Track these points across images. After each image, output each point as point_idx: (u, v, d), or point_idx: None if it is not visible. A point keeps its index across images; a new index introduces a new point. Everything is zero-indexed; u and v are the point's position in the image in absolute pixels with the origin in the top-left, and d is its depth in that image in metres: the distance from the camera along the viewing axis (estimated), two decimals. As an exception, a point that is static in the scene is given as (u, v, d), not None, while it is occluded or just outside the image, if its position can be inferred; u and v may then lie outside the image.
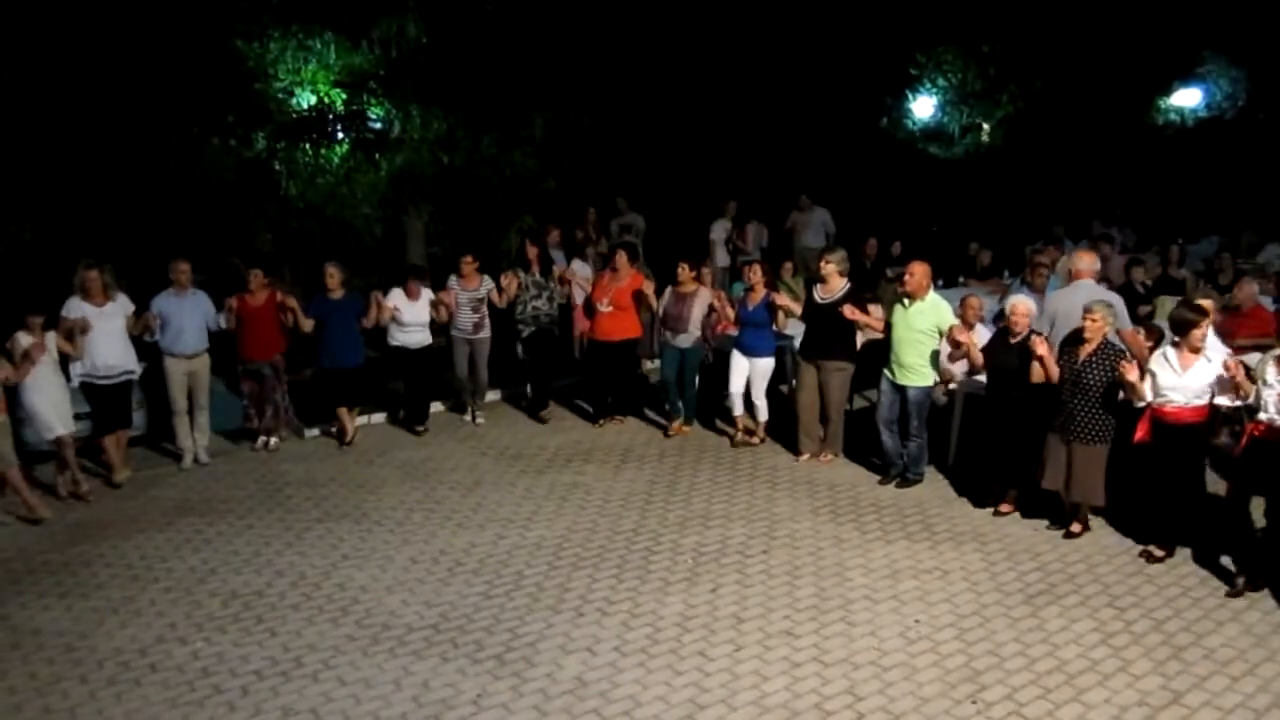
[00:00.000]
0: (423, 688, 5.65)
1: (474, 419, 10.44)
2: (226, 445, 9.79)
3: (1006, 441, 7.63)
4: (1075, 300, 7.77)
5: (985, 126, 17.12)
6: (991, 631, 6.12)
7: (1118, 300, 7.99)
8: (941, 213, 16.23)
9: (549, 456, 9.44)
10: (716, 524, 7.81)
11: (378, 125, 10.71)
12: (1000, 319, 8.46)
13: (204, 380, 9.26)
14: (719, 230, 15.16)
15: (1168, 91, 17.32)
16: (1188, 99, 17.33)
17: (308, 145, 10.35)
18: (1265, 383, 6.41)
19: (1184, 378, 6.76)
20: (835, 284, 8.86)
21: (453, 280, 10.13)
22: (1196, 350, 6.78)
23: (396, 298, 9.87)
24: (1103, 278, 10.33)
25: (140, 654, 6.07)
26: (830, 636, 6.10)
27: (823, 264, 8.95)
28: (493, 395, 10.94)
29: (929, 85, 16.86)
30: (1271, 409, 6.37)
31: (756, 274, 9.46)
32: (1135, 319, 9.75)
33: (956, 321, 8.28)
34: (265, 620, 6.45)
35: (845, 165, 17.18)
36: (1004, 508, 7.86)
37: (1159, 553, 7.00)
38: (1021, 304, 7.67)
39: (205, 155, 9.97)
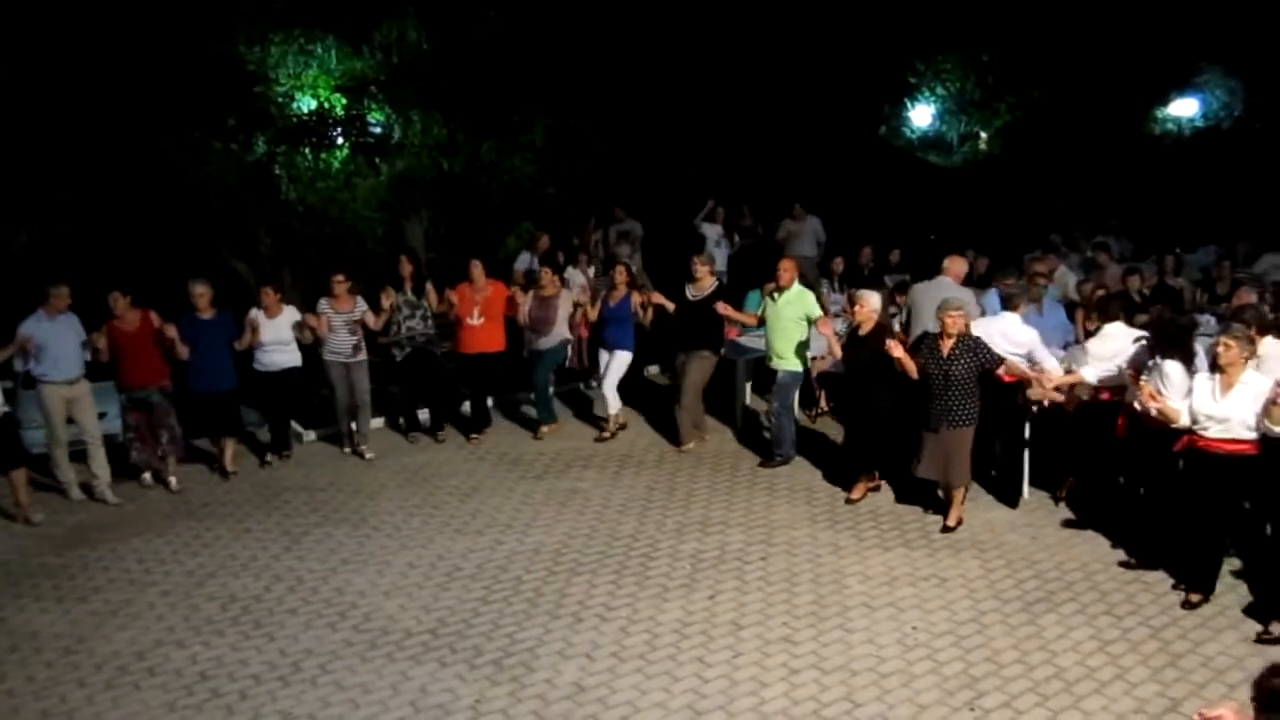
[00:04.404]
0: (420, 693, 5.65)
1: (357, 448, 9.75)
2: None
3: (862, 429, 8.26)
4: (931, 295, 8.64)
5: (983, 135, 17.16)
6: (989, 639, 6.13)
7: (969, 297, 8.81)
8: (939, 221, 16.25)
9: (547, 462, 9.45)
10: (715, 530, 7.81)
11: (378, 130, 10.70)
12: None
13: (89, 408, 8.55)
14: (711, 232, 15.20)
15: (1165, 101, 17.35)
16: (1185, 109, 17.36)
17: (308, 149, 10.34)
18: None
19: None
20: (706, 283, 9.54)
21: (324, 303, 9.51)
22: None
23: (256, 317, 9.22)
24: (1100, 285, 10.37)
25: (138, 657, 6.07)
26: (828, 644, 6.11)
27: (695, 265, 9.66)
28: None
29: (928, 94, 16.88)
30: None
31: (621, 275, 10.06)
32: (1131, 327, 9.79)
33: (820, 313, 8.91)
34: (263, 624, 6.45)
35: (843, 173, 17.20)
36: (855, 493, 8.34)
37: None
38: (867, 301, 8.20)
39: (206, 159, 9.95)
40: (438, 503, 8.48)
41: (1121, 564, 7.03)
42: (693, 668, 5.86)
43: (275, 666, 5.95)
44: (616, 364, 9.97)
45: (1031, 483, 8.26)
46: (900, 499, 8.32)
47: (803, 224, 15.40)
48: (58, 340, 8.36)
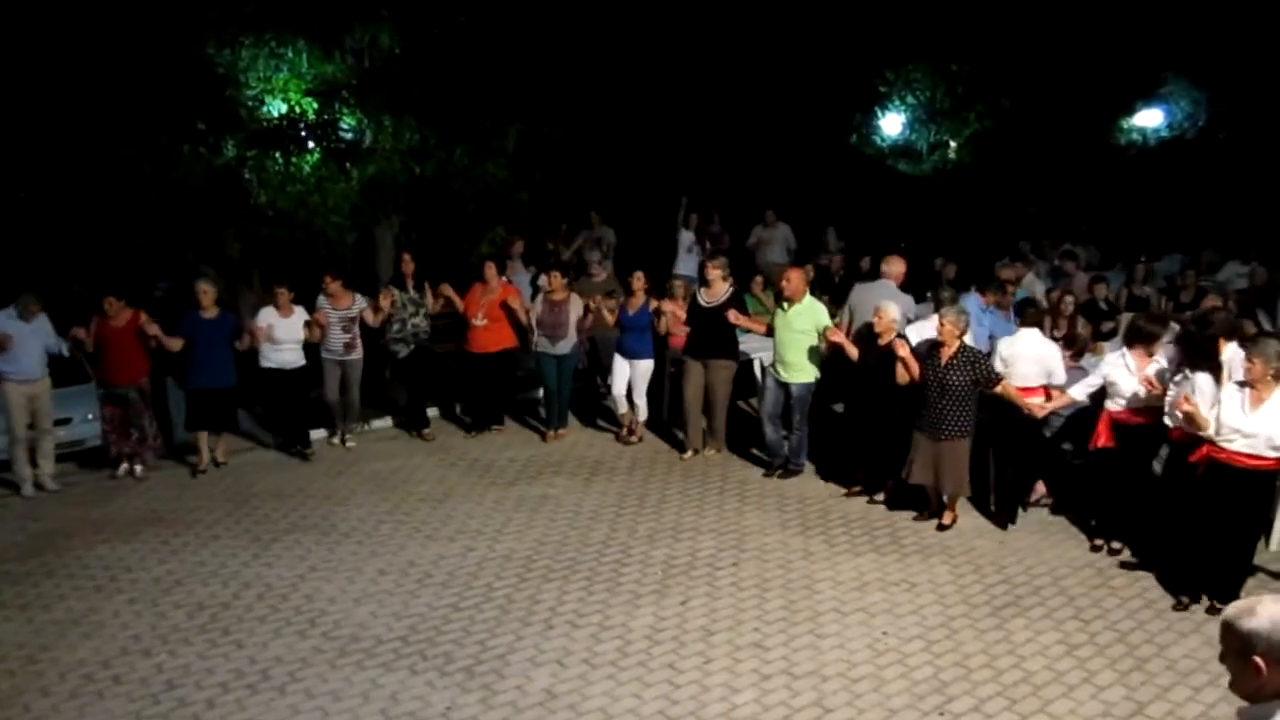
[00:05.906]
0: (391, 700, 5.62)
1: (343, 443, 10.03)
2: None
3: (873, 431, 8.29)
4: (871, 297, 8.88)
5: (953, 144, 17.27)
6: (959, 643, 6.17)
7: (908, 300, 9.10)
8: (909, 228, 16.38)
9: (518, 469, 9.43)
10: (686, 537, 7.82)
11: (349, 135, 10.66)
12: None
13: (46, 405, 8.79)
14: (685, 239, 15.25)
15: (1131, 112, 17.55)
16: (1150, 119, 17.57)
17: (278, 154, 10.27)
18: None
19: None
20: (719, 289, 9.40)
21: (322, 300, 9.67)
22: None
23: (268, 316, 9.39)
24: (1067, 292, 10.50)
25: (104, 666, 5.99)
26: (799, 649, 6.13)
27: (708, 270, 9.52)
28: (431, 412, 10.82)
29: (898, 102, 16.99)
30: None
31: (639, 281, 9.99)
32: (1098, 335, 9.90)
33: (830, 323, 8.81)
34: (231, 632, 6.39)
35: (814, 181, 17.31)
36: (854, 489, 8.56)
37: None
38: (886, 311, 8.18)
39: (175, 162, 9.87)
40: (408, 509, 8.44)
41: (1123, 565, 7.15)
42: (664, 674, 5.86)
43: (243, 674, 5.89)
44: (641, 375, 9.95)
45: (999, 489, 8.31)
46: (871, 504, 8.38)
47: (774, 231, 15.52)
48: (26, 341, 8.64)
